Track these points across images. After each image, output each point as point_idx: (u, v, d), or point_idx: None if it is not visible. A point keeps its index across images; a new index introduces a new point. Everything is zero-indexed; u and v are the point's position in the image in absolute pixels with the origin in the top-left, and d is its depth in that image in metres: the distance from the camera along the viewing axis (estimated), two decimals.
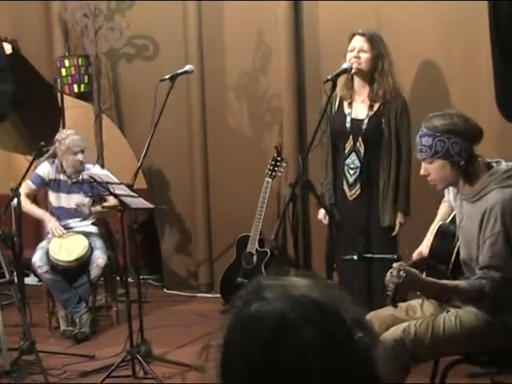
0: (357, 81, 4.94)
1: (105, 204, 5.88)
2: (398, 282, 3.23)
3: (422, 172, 3.58)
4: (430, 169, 3.52)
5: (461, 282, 3.43)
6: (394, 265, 3.30)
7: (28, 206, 5.88)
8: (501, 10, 4.41)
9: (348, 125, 4.94)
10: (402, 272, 3.23)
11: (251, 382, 1.27)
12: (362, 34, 4.90)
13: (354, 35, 4.93)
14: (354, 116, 4.94)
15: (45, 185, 5.97)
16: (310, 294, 1.31)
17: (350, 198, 4.97)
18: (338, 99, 4.97)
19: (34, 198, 6.12)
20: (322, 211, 5.02)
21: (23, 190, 5.85)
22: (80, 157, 5.84)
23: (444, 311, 3.60)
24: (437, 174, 3.51)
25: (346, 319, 1.30)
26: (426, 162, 3.53)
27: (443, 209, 3.93)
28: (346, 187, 4.98)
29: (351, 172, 4.95)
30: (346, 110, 4.95)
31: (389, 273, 3.32)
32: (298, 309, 1.27)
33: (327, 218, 4.91)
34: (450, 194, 3.82)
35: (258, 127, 6.61)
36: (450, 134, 3.42)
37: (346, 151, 4.95)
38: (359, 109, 4.94)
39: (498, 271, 3.35)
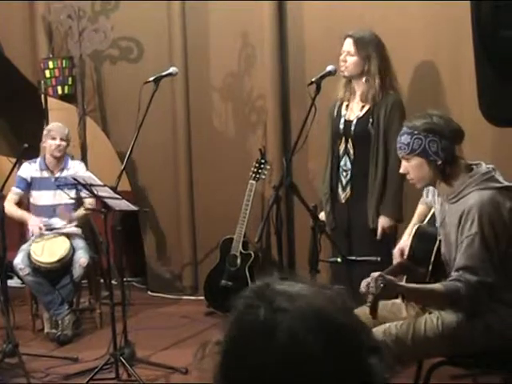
0: (353, 82, 4.95)
1: (87, 206, 5.85)
2: (376, 293, 3.25)
3: (401, 170, 3.66)
4: (409, 167, 3.59)
5: (437, 286, 3.44)
6: (373, 274, 3.31)
7: (9, 208, 5.85)
8: (482, 10, 4.41)
9: (341, 126, 4.95)
10: (379, 282, 3.25)
11: None
12: (350, 36, 4.89)
13: (346, 37, 4.92)
14: (347, 117, 4.95)
15: (29, 186, 5.95)
16: (324, 309, 1.27)
17: (342, 200, 4.97)
18: (339, 101, 4.98)
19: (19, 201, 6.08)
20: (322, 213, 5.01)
21: (11, 198, 5.89)
22: (58, 142, 5.85)
23: (426, 312, 3.62)
24: (414, 172, 3.58)
25: (362, 345, 1.26)
26: (404, 160, 3.60)
27: (420, 210, 3.96)
28: (340, 189, 4.98)
29: (344, 174, 4.96)
30: (343, 112, 4.97)
31: (364, 281, 3.33)
32: (309, 325, 1.23)
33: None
34: (429, 194, 3.85)
35: (242, 128, 6.61)
36: (427, 132, 3.48)
37: (340, 153, 4.97)
38: (353, 110, 4.95)
39: (474, 273, 3.37)
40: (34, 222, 5.82)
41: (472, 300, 3.38)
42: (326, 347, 1.23)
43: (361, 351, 1.26)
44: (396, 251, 3.89)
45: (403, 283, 3.49)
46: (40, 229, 5.77)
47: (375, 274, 3.30)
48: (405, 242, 3.87)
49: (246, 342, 1.27)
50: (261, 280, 1.34)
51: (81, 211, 5.93)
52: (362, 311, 3.50)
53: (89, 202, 5.80)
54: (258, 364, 1.24)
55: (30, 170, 5.96)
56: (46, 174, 5.95)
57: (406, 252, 3.82)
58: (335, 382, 1.23)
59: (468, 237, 3.40)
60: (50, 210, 5.93)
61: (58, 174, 5.89)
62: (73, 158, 6.16)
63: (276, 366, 1.23)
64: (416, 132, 3.50)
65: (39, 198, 5.96)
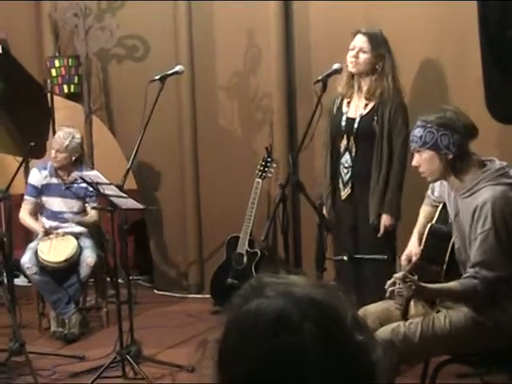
0: (357, 79, 4.94)
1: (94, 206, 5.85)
2: (409, 295, 3.27)
3: (413, 163, 3.68)
4: (420, 160, 3.61)
5: (454, 285, 3.44)
6: (396, 275, 3.32)
7: (28, 222, 5.92)
8: (490, 11, 4.41)
9: (343, 123, 4.95)
10: (409, 284, 3.26)
11: (250, 376, 1.27)
12: (364, 33, 4.88)
13: (357, 33, 4.91)
14: (349, 115, 4.95)
15: (41, 192, 5.95)
16: (311, 292, 1.30)
17: (343, 197, 4.98)
18: (339, 98, 4.98)
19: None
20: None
21: (26, 208, 5.90)
22: (53, 153, 5.80)
23: (434, 311, 3.61)
24: (426, 165, 3.60)
25: (347, 321, 1.29)
26: (416, 153, 3.62)
27: (426, 211, 3.95)
28: (341, 186, 4.99)
29: (345, 171, 4.96)
30: (344, 109, 4.97)
31: (390, 282, 3.34)
32: (298, 306, 1.27)
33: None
34: (435, 191, 3.86)
35: (248, 127, 6.61)
36: (439, 126, 3.51)
37: (342, 150, 4.97)
38: (356, 107, 4.95)
39: (489, 269, 3.39)
40: (42, 229, 5.80)
41: (489, 295, 3.39)
42: (313, 327, 1.25)
43: (350, 330, 1.28)
44: (404, 258, 3.89)
45: (426, 285, 3.47)
46: (45, 231, 5.76)
47: (399, 275, 3.31)
48: (413, 246, 3.86)
49: (241, 331, 1.29)
50: (252, 278, 1.38)
51: (89, 217, 5.92)
52: (374, 308, 3.51)
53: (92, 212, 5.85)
54: (251, 355, 1.27)
55: (40, 177, 5.93)
56: (55, 180, 5.92)
57: (414, 259, 3.82)
58: (322, 359, 1.25)
59: (482, 233, 3.41)
60: (60, 216, 5.92)
61: (68, 182, 5.86)
62: (90, 168, 6.10)
63: (265, 344, 1.26)
64: (429, 125, 3.53)
65: (50, 203, 5.94)
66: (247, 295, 1.33)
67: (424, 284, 3.47)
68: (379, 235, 4.88)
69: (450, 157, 3.52)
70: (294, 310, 1.26)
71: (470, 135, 3.55)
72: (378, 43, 4.87)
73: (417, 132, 3.58)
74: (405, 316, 3.37)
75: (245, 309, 1.30)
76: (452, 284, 3.47)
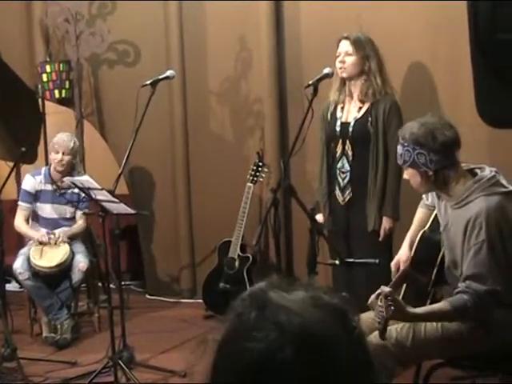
0: (348, 85, 4.96)
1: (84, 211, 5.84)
2: (388, 316, 3.22)
3: (404, 176, 3.67)
4: (407, 175, 3.61)
5: (443, 306, 3.39)
6: (382, 288, 3.26)
7: (24, 229, 5.90)
8: (480, 13, 4.41)
9: (338, 129, 4.96)
10: (388, 303, 3.21)
11: None
12: (347, 38, 4.94)
13: (340, 40, 4.96)
14: (343, 119, 4.96)
15: (35, 198, 5.93)
16: (312, 326, 1.24)
17: (342, 203, 4.97)
18: (333, 104, 4.99)
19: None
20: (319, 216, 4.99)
21: (21, 214, 5.89)
22: (60, 156, 5.78)
23: None
24: (412, 180, 3.60)
25: (349, 360, 1.23)
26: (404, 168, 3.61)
27: (420, 214, 3.94)
28: (338, 191, 4.99)
29: (342, 176, 4.96)
30: (338, 114, 4.98)
31: (373, 297, 3.30)
32: (298, 351, 1.21)
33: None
34: (429, 197, 3.84)
35: (239, 132, 6.61)
36: (415, 144, 3.47)
37: (337, 155, 4.97)
38: (349, 112, 4.97)
39: (482, 282, 3.34)
40: (40, 235, 5.79)
41: (479, 310, 3.35)
42: (310, 368, 1.21)
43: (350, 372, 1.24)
44: (393, 264, 3.88)
45: (410, 309, 3.39)
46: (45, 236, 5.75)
47: (385, 291, 3.25)
48: (403, 253, 3.85)
49: (234, 347, 1.27)
50: (258, 285, 1.33)
51: (77, 227, 5.91)
52: (365, 316, 3.49)
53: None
54: (243, 370, 1.24)
55: (34, 183, 5.90)
56: (49, 186, 5.90)
57: (402, 265, 3.81)
58: None
59: (476, 244, 3.37)
60: (53, 223, 5.90)
61: (62, 190, 5.84)
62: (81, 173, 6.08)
63: (259, 373, 1.23)
64: (406, 144, 3.50)
65: (42, 209, 5.93)
66: (247, 308, 1.28)
67: (408, 308, 3.34)
68: (381, 239, 4.89)
69: (430, 173, 3.48)
70: (291, 356, 1.20)
71: (449, 150, 3.49)
72: (362, 45, 4.92)
73: (398, 149, 3.56)
74: (382, 336, 3.30)
75: (242, 324, 1.27)
76: (441, 305, 3.41)
